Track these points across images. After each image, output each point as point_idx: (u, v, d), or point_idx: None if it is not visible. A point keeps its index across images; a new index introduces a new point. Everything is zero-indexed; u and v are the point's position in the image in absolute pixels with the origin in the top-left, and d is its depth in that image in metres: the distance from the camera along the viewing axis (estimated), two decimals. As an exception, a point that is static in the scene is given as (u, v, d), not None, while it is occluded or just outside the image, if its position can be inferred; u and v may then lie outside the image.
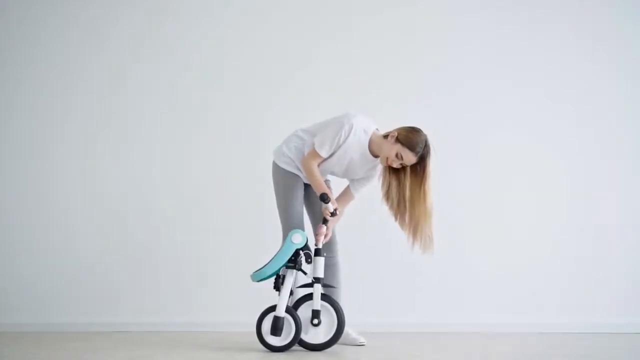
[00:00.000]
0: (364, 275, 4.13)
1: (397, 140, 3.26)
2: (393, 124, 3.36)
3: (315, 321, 3.23)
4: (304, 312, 3.28)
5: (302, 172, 3.45)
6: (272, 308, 3.24)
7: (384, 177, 3.38)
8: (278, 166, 3.48)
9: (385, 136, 3.32)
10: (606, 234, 4.22)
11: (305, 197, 3.52)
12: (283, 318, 3.21)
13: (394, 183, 3.34)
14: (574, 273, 4.19)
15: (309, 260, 3.28)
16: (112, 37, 4.37)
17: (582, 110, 4.32)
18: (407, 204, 3.31)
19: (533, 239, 4.23)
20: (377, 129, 3.39)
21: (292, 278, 3.27)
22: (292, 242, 3.28)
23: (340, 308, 3.28)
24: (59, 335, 3.92)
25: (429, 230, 3.33)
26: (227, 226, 4.21)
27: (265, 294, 3.42)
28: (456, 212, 4.21)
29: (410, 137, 3.25)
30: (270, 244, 3.55)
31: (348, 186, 3.52)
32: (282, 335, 3.22)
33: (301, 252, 3.28)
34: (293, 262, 3.27)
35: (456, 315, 4.13)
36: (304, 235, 3.30)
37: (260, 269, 3.28)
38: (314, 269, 3.27)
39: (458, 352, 3.35)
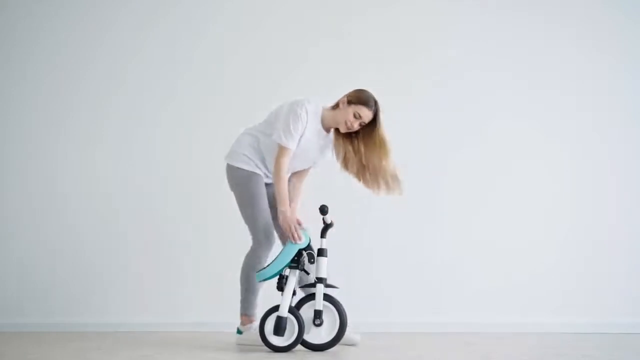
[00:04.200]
0: (364, 275, 4.14)
1: (350, 102, 3.36)
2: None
3: (318, 321, 3.22)
4: (306, 312, 3.27)
5: (261, 170, 3.45)
6: (275, 308, 3.24)
7: (338, 147, 3.44)
8: (235, 167, 3.45)
9: (336, 106, 3.40)
10: (607, 233, 4.23)
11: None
12: (286, 318, 3.20)
13: (349, 147, 3.41)
14: (575, 273, 4.20)
15: (312, 260, 3.27)
16: (111, 37, 4.36)
17: (586, 111, 4.32)
18: (365, 159, 3.37)
19: (534, 239, 4.24)
20: (323, 106, 3.45)
21: (295, 278, 3.28)
22: (295, 242, 3.28)
23: (343, 308, 3.28)
24: (59, 335, 3.91)
25: (392, 168, 3.38)
26: (228, 226, 4.14)
27: (269, 294, 3.42)
28: (456, 212, 4.23)
29: (360, 96, 3.36)
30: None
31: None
32: (285, 335, 3.22)
33: (304, 252, 3.28)
34: (296, 262, 3.28)
35: (456, 315, 4.14)
36: (307, 236, 3.30)
37: (263, 269, 3.28)
38: (317, 269, 3.27)
39: (458, 352, 3.35)
